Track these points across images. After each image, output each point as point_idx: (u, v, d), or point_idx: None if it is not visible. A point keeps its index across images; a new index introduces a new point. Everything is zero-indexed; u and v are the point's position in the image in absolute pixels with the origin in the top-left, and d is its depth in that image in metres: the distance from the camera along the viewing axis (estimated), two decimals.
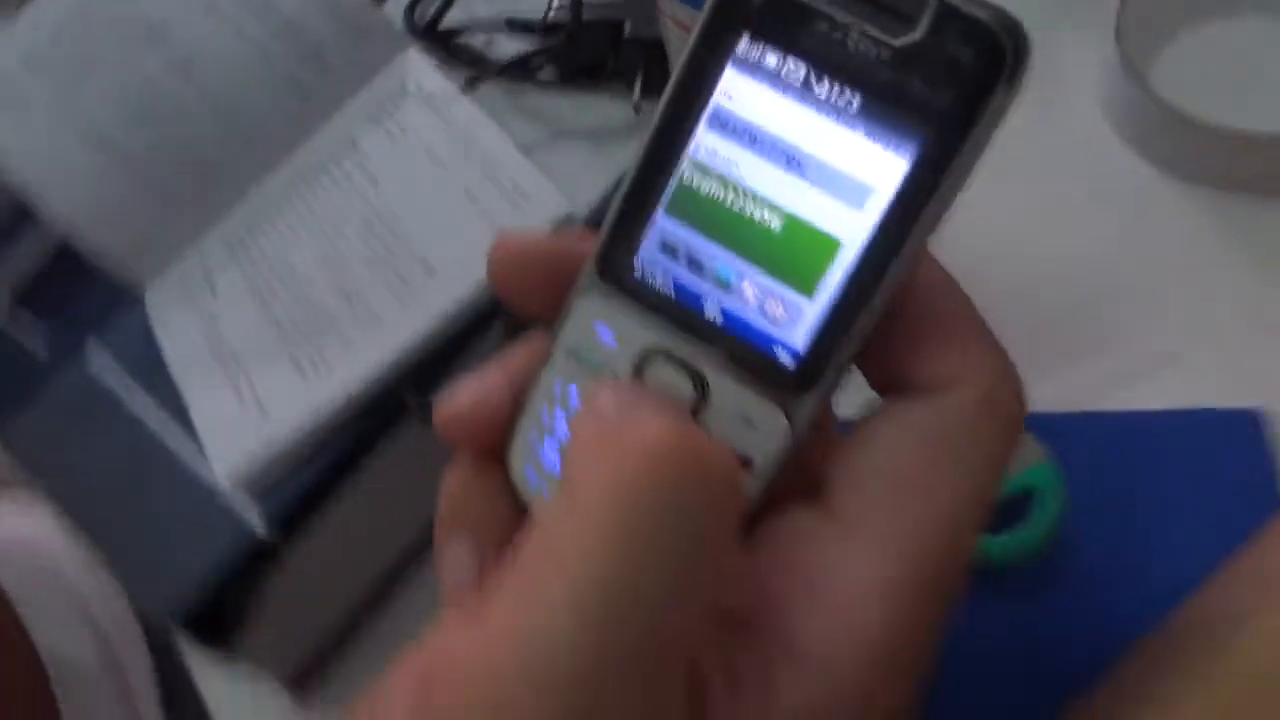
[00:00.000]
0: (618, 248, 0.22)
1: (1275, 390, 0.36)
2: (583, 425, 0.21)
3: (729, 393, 0.22)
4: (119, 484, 0.35)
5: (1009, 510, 0.33)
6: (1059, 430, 0.35)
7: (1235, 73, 0.42)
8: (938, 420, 0.21)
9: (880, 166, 0.20)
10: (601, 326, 0.22)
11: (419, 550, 0.38)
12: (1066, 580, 0.33)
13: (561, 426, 0.23)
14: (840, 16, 0.20)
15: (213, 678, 0.39)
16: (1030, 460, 0.33)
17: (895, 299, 0.21)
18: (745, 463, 0.22)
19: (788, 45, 0.20)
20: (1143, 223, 0.40)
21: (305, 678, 0.38)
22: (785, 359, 0.21)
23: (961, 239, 0.40)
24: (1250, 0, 0.42)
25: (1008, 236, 0.40)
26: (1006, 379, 0.22)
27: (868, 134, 0.20)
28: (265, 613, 0.34)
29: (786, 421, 0.21)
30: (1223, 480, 0.34)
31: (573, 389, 0.23)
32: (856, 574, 0.20)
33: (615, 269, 0.22)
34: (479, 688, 0.18)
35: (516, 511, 0.23)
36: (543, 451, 0.24)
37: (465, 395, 0.24)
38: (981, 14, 0.19)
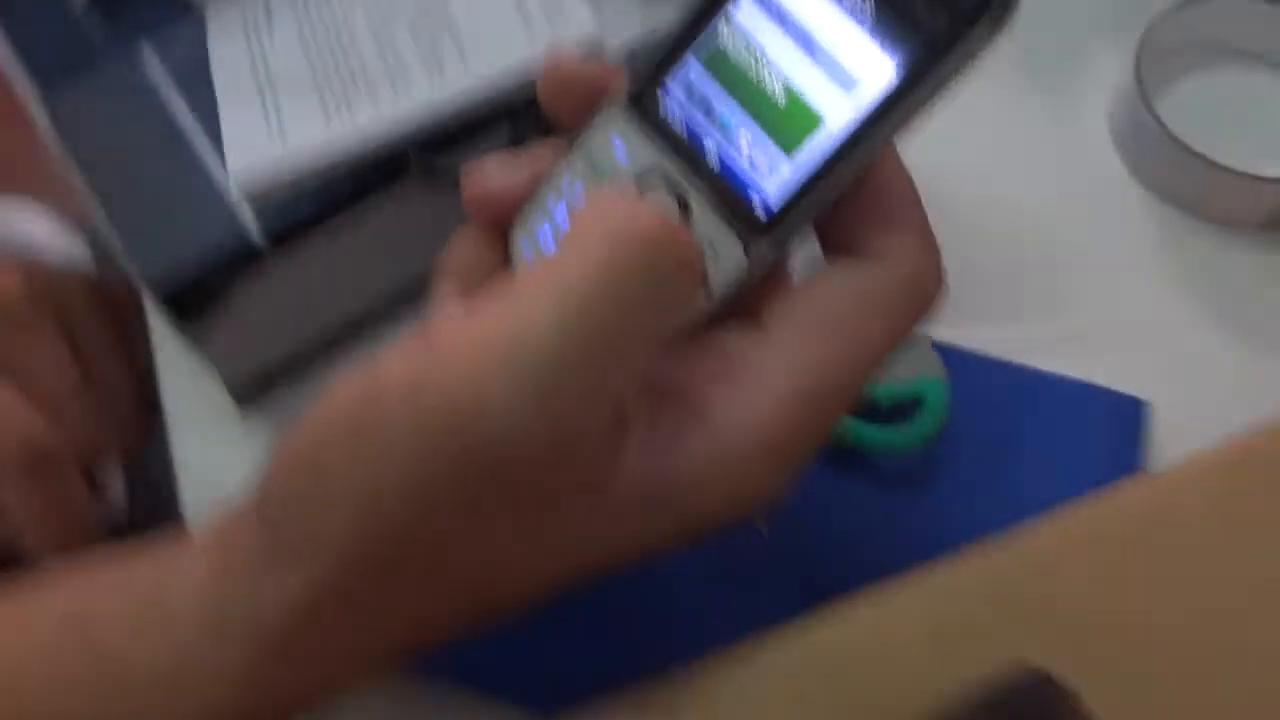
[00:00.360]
0: (652, 81, 0.26)
1: (1168, 394, 0.39)
2: (596, 200, 0.25)
3: (705, 221, 0.26)
4: (143, 170, 0.39)
5: (898, 410, 0.37)
6: (964, 363, 0.39)
7: (1230, 114, 0.45)
8: (868, 282, 0.25)
9: (872, 65, 0.24)
10: (618, 140, 0.27)
11: (391, 305, 0.42)
12: (930, 486, 0.37)
13: (561, 216, 0.27)
14: None
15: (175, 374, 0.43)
16: (930, 373, 0.37)
17: (858, 179, 0.25)
18: (703, 280, 0.26)
19: None
20: (1109, 221, 0.44)
21: (254, 392, 0.42)
22: (756, 204, 0.25)
23: (951, 180, 0.45)
24: (1258, 54, 0.46)
25: (991, 195, 0.44)
26: (932, 270, 0.26)
27: (870, 35, 0.24)
28: (235, 316, 0.38)
29: (744, 256, 0.25)
30: (1093, 453, 0.38)
31: (579, 187, 0.27)
32: (769, 374, 0.25)
33: (644, 98, 0.26)
34: (436, 386, 0.22)
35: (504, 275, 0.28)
36: (540, 232, 0.28)
37: (495, 172, 0.28)
38: None
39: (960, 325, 0.41)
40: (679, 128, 0.26)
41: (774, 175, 0.25)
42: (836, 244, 0.26)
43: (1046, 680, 0.20)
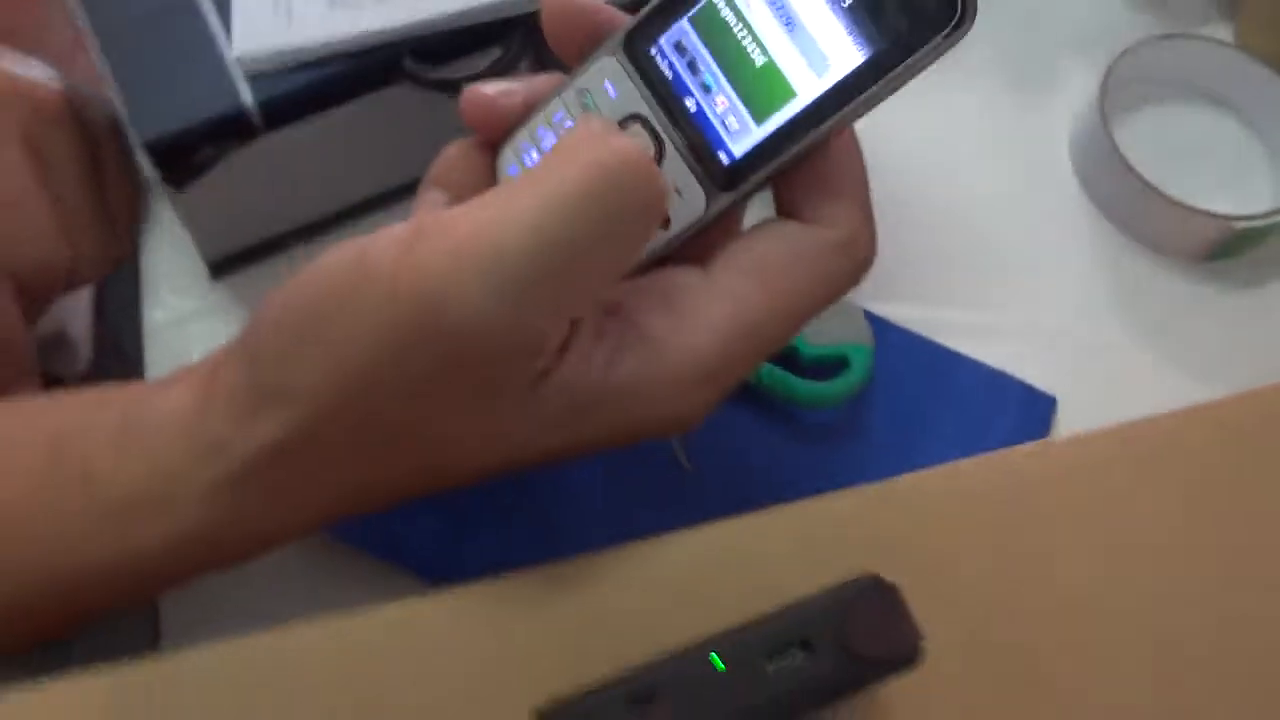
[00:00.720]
0: (645, 31, 0.29)
1: (1076, 395, 0.42)
2: (584, 124, 0.28)
3: (675, 167, 0.28)
4: (151, 33, 0.40)
5: (825, 368, 0.39)
6: (892, 335, 0.42)
7: (1183, 149, 0.48)
8: (807, 240, 0.28)
9: (844, 52, 0.26)
10: (609, 82, 0.29)
11: (368, 204, 0.44)
12: (843, 442, 0.40)
13: (548, 144, 0.30)
14: None
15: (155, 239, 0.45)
16: (859, 339, 0.40)
17: (815, 150, 0.28)
18: (665, 223, 0.29)
19: None
20: (1054, 229, 0.47)
21: (229, 267, 0.44)
22: (722, 159, 0.28)
23: (913, 162, 0.47)
24: (1219, 96, 0.49)
25: (948, 184, 0.47)
26: (865, 240, 0.29)
27: (846, 26, 0.26)
28: (221, 190, 0.40)
29: (705, 203, 0.28)
30: (997, 436, 0.41)
31: (569, 122, 0.30)
32: (710, 311, 0.28)
33: (637, 45, 0.29)
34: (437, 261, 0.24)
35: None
36: (526, 158, 0.30)
37: (493, 88, 0.30)
38: None
39: (896, 300, 0.44)
40: (665, 79, 0.28)
41: (743, 137, 0.28)
42: (787, 205, 0.29)
43: (872, 577, 0.23)
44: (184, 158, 0.39)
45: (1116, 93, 0.47)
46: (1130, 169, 0.44)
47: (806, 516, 0.30)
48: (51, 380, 0.43)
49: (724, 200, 0.28)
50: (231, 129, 0.39)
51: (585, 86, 0.29)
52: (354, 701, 0.27)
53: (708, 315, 0.27)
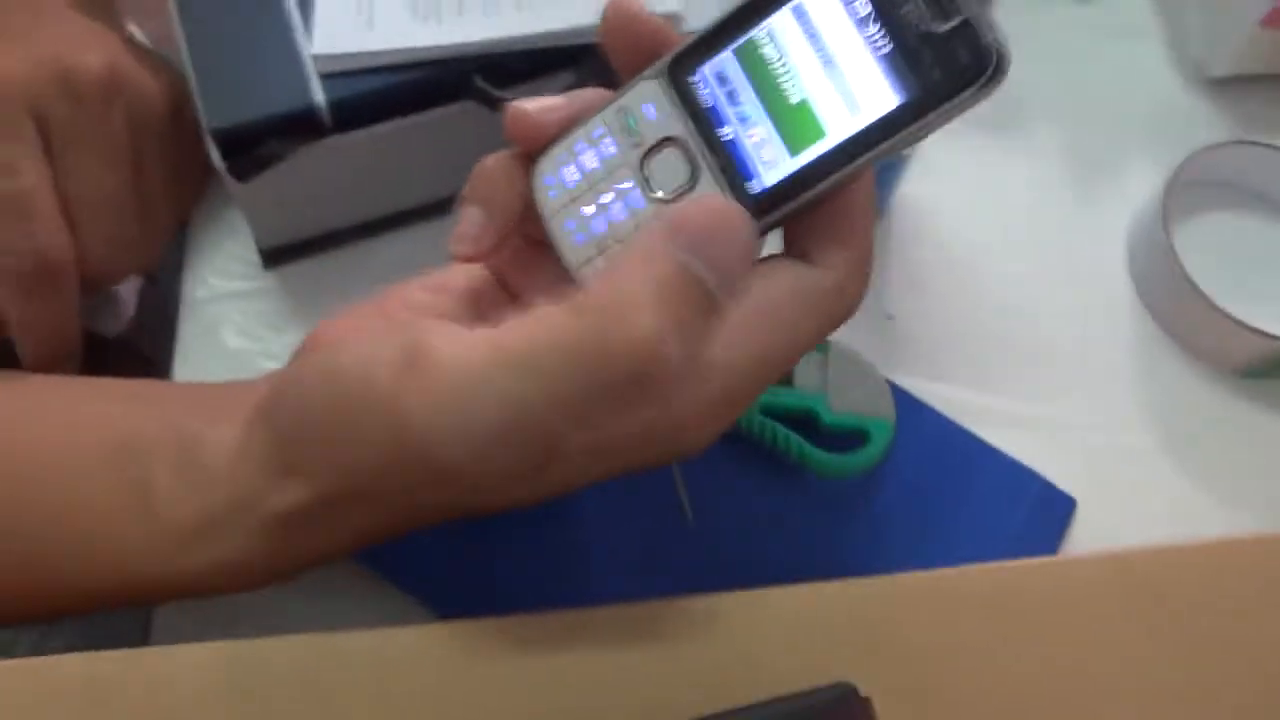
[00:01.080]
0: (690, 58, 0.29)
1: (1097, 500, 0.42)
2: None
3: (709, 190, 0.29)
4: (234, 24, 0.41)
5: (843, 438, 0.40)
6: (916, 413, 0.42)
7: (1240, 258, 0.47)
8: (810, 282, 0.29)
9: (877, 97, 0.27)
10: (650, 105, 0.30)
11: (423, 212, 0.45)
12: (853, 515, 0.40)
13: (582, 159, 0.30)
14: None
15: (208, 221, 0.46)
16: (881, 413, 0.40)
17: (833, 193, 0.28)
18: None
19: None
20: (1098, 326, 0.46)
21: (281, 259, 0.45)
22: (752, 189, 0.28)
23: (969, 240, 0.47)
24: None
25: (999, 267, 0.47)
26: (859, 287, 0.29)
27: (883, 71, 0.27)
28: (283, 185, 0.41)
29: None
30: (1011, 530, 0.40)
31: (608, 139, 0.30)
32: (718, 349, 0.28)
33: (680, 71, 0.29)
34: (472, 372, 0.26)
35: (526, 204, 0.31)
36: (561, 170, 0.31)
37: (536, 103, 0.31)
38: (989, 38, 0.25)
39: (929, 377, 0.44)
40: (705, 106, 0.29)
41: (773, 169, 0.28)
42: (795, 243, 0.30)
43: (848, 688, 0.23)
44: (250, 150, 0.40)
45: (1181, 193, 0.46)
46: (1182, 271, 0.44)
47: (802, 600, 0.31)
48: (92, 337, 0.44)
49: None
50: (301, 126, 0.40)
51: (626, 106, 0.30)
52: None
53: (718, 354, 0.28)
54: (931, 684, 0.29)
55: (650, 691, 0.28)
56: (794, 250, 0.30)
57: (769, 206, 0.28)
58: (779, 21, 0.28)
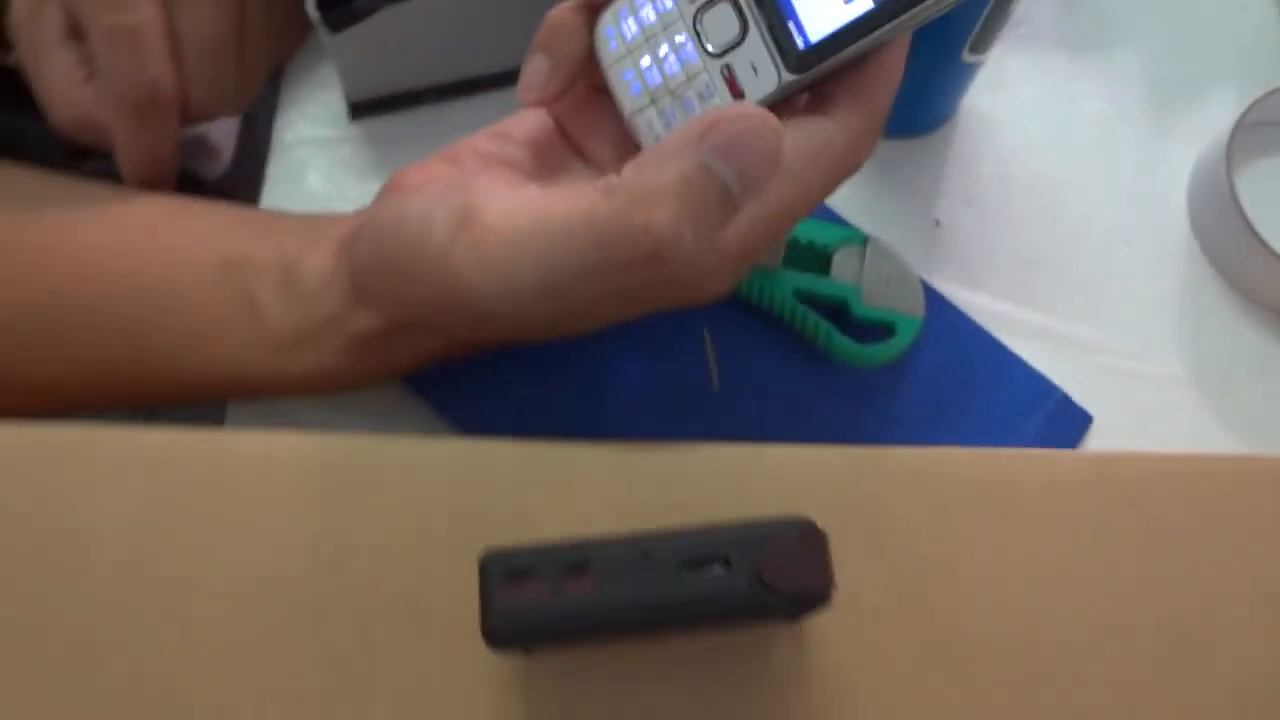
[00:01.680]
0: None
1: (1115, 420, 0.43)
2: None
3: (756, 45, 0.31)
4: None
5: (871, 330, 0.41)
6: (950, 315, 0.43)
7: None
8: (826, 137, 0.31)
9: None
10: None
11: (504, 81, 0.48)
12: (869, 403, 0.42)
13: (641, 13, 0.33)
14: None
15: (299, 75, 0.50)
16: (910, 310, 0.41)
17: (865, 56, 0.30)
18: (739, 95, 0.32)
19: None
20: (1149, 251, 0.46)
21: (366, 111, 0.48)
22: (798, 44, 0.31)
23: (1035, 154, 0.47)
24: None
25: (1060, 182, 0.48)
26: (865, 144, 0.32)
27: None
28: (373, 40, 0.44)
29: (776, 81, 0.31)
30: (1023, 437, 0.42)
31: None
32: None
33: None
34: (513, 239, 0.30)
35: (588, 55, 0.33)
36: (622, 23, 0.33)
37: None
38: None
39: (968, 285, 0.45)
40: None
41: (817, 27, 0.30)
42: (820, 95, 0.32)
43: (807, 520, 0.26)
44: (344, 3, 0.42)
45: (1250, 132, 0.46)
46: (1238, 208, 0.44)
47: (800, 460, 0.33)
48: (188, 178, 0.48)
49: (791, 82, 0.31)
50: None
51: None
52: (345, 511, 0.32)
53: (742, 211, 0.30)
54: (901, 551, 0.32)
55: (640, 522, 0.31)
56: (812, 102, 0.32)
57: (812, 61, 0.31)
58: None
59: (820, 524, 0.27)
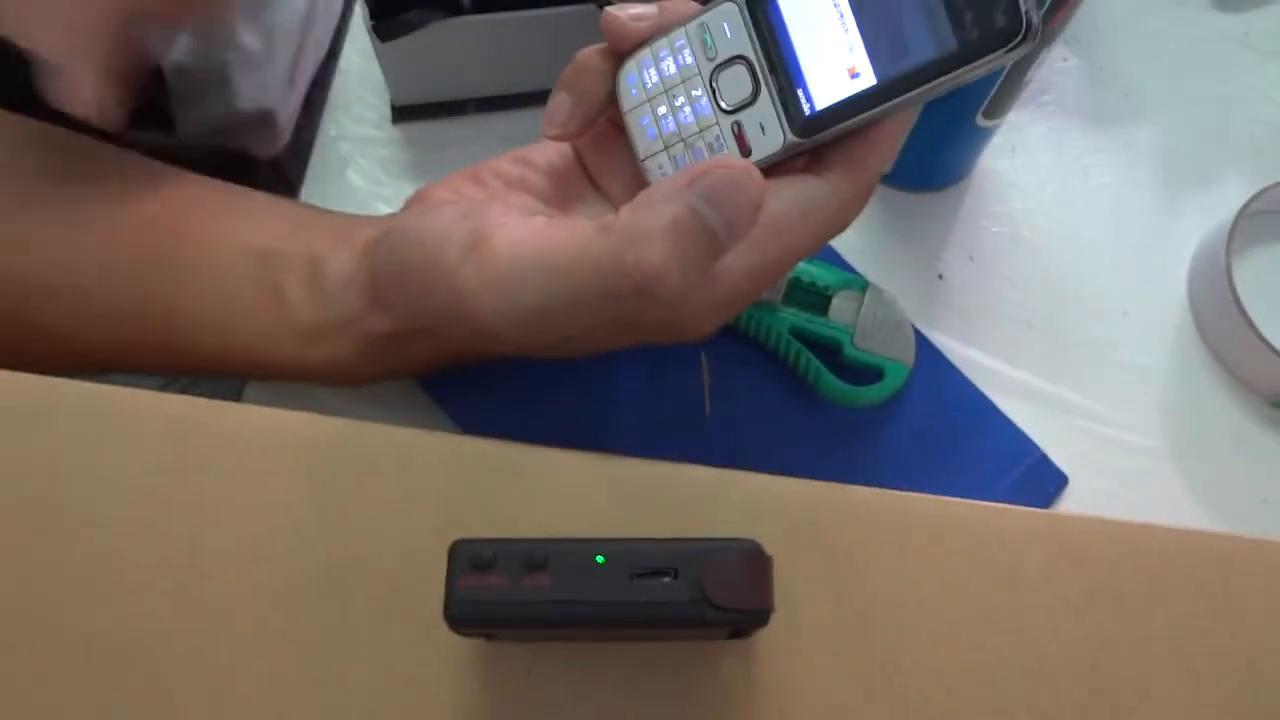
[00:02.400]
0: None
1: (1092, 487, 0.44)
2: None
3: (766, 107, 0.33)
4: None
5: (861, 373, 0.43)
6: (939, 366, 0.45)
7: None
8: (818, 199, 0.33)
9: (921, 46, 0.31)
10: (727, 24, 0.34)
11: (539, 99, 0.50)
12: (851, 443, 0.44)
13: (663, 64, 0.35)
14: None
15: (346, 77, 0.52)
16: (900, 357, 0.43)
17: (864, 130, 0.32)
18: (746, 151, 0.34)
19: None
20: (1145, 328, 0.48)
21: (407, 116, 0.51)
22: (805, 110, 0.33)
23: (1047, 219, 0.49)
24: None
25: (1067, 248, 0.49)
26: (854, 208, 0.34)
27: (929, 22, 0.31)
28: (418, 47, 0.47)
29: (782, 142, 0.33)
30: (998, 492, 0.43)
31: (685, 50, 0.34)
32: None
33: (760, 2, 0.33)
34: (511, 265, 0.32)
35: (610, 97, 0.36)
36: (644, 72, 0.35)
37: (631, 9, 0.36)
38: (1026, 5, 0.29)
39: (963, 339, 0.47)
40: (774, 31, 0.33)
41: (824, 97, 0.32)
42: (816, 156, 0.34)
43: (753, 543, 0.28)
44: (396, 14, 0.45)
45: (1255, 220, 0.47)
46: (1232, 290, 0.45)
47: (768, 489, 0.35)
48: (242, 156, 0.51)
49: (795, 144, 0.33)
50: (442, 2, 0.45)
51: (707, 23, 0.34)
52: (341, 491, 0.34)
53: (732, 260, 0.33)
54: (852, 582, 0.33)
55: (611, 530, 0.33)
56: (809, 162, 0.34)
57: (816, 127, 0.33)
58: None
59: (778, 550, 0.29)
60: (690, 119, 0.35)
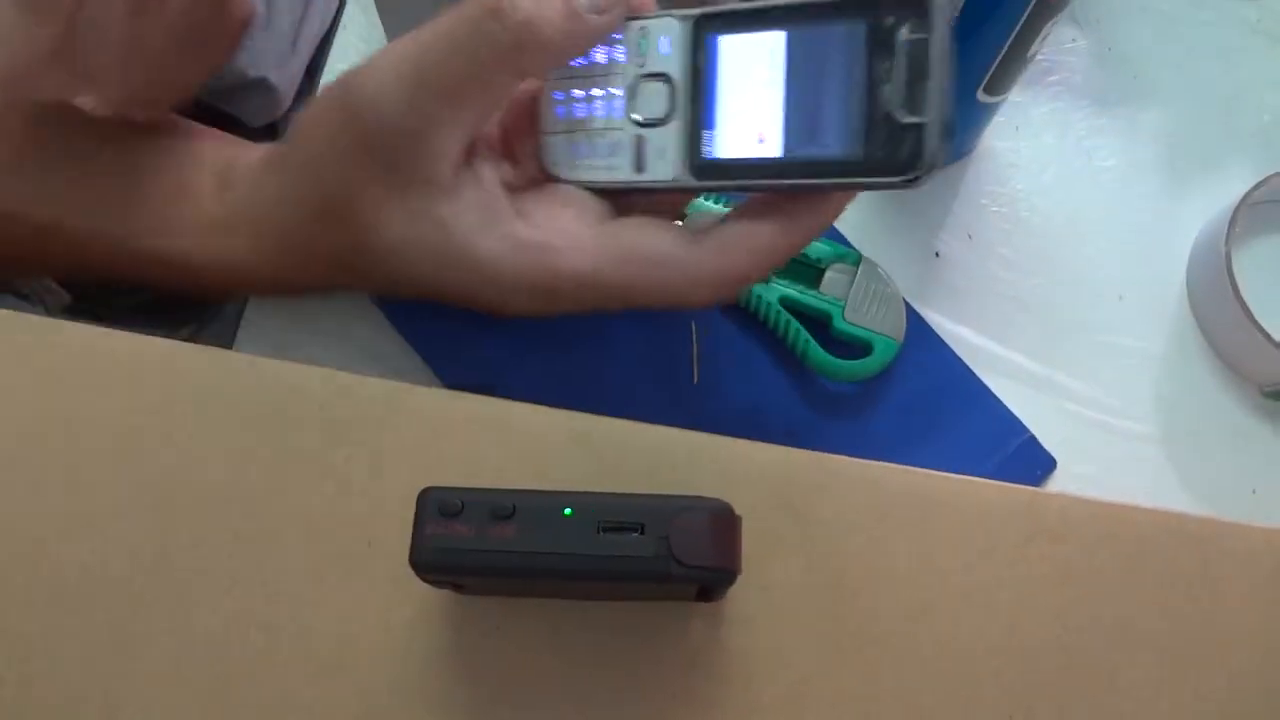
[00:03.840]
0: (719, 21, 0.32)
1: (1078, 469, 0.44)
2: None
3: (670, 134, 0.33)
4: None
5: (850, 346, 0.43)
6: (931, 343, 0.45)
7: None
8: (676, 258, 0.33)
9: (827, 141, 0.30)
10: (667, 39, 0.33)
11: None
12: (837, 414, 0.44)
13: (597, 50, 0.34)
14: None
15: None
16: (890, 332, 0.43)
17: (763, 199, 0.33)
18: (640, 169, 0.33)
19: None
20: (1140, 311, 0.47)
21: None
22: (704, 153, 0.32)
23: (1039, 199, 0.48)
24: None
25: (1069, 231, 0.49)
26: (706, 295, 0.33)
27: (845, 123, 0.29)
28: (417, 5, 0.46)
29: (672, 174, 0.33)
30: (984, 472, 0.43)
31: (621, 48, 0.33)
32: (579, 237, 0.34)
33: (706, 27, 0.32)
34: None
35: None
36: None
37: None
38: (931, 147, 0.28)
39: (956, 318, 0.46)
40: (706, 66, 0.32)
41: (726, 151, 0.32)
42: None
43: (724, 504, 0.27)
44: None
45: (1257, 209, 0.46)
46: (1230, 278, 0.45)
47: (747, 454, 0.35)
48: (233, 122, 0.51)
49: (686, 182, 0.32)
50: None
51: (650, 29, 0.33)
52: (318, 439, 0.34)
53: (574, 253, 0.33)
54: (826, 550, 0.33)
55: (586, 486, 0.33)
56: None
57: (709, 174, 0.32)
58: (801, 34, 0.30)
59: (752, 516, 0.29)
60: (600, 114, 0.34)
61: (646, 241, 0.33)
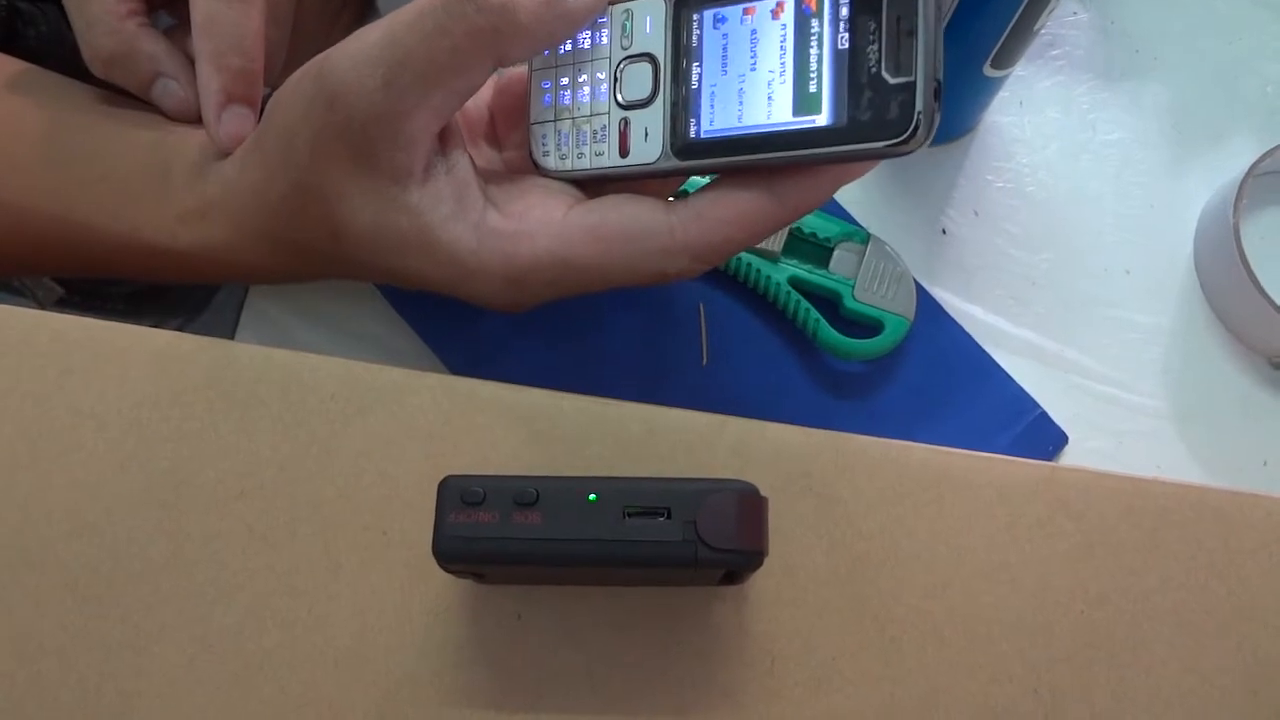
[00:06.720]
0: (694, 5, 0.31)
1: (1090, 445, 0.44)
2: None
3: (654, 115, 0.32)
4: None
5: (860, 325, 0.43)
6: (941, 321, 0.44)
7: None
8: (652, 231, 0.32)
9: (814, 110, 0.29)
10: (650, 18, 0.32)
11: None
12: (848, 394, 0.43)
13: (582, 35, 0.33)
14: None
15: None
16: (901, 310, 0.42)
17: (750, 173, 0.31)
18: (625, 152, 0.32)
19: None
20: (1150, 287, 0.47)
21: None
22: (689, 132, 0.31)
23: (1044, 175, 0.48)
24: None
25: (1076, 207, 0.48)
26: (683, 267, 0.32)
27: (830, 90, 0.29)
28: None
29: (657, 155, 0.32)
30: (996, 449, 0.43)
31: (605, 31, 0.33)
32: (548, 221, 0.33)
33: (687, 5, 0.32)
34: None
35: None
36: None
37: None
38: (922, 105, 0.27)
39: (966, 295, 0.46)
40: (690, 43, 0.31)
41: (711, 126, 0.31)
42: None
43: (750, 485, 0.27)
44: None
45: (1263, 180, 0.46)
46: (1240, 252, 0.44)
47: (763, 434, 0.34)
48: None
49: (672, 163, 0.32)
50: None
51: (633, 10, 0.32)
52: (329, 429, 0.34)
53: (545, 235, 0.32)
54: (846, 529, 0.33)
55: (603, 471, 0.33)
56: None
57: (692, 154, 0.31)
58: (785, 6, 0.30)
59: (772, 496, 0.29)
60: (586, 99, 0.33)
61: (616, 213, 0.32)
